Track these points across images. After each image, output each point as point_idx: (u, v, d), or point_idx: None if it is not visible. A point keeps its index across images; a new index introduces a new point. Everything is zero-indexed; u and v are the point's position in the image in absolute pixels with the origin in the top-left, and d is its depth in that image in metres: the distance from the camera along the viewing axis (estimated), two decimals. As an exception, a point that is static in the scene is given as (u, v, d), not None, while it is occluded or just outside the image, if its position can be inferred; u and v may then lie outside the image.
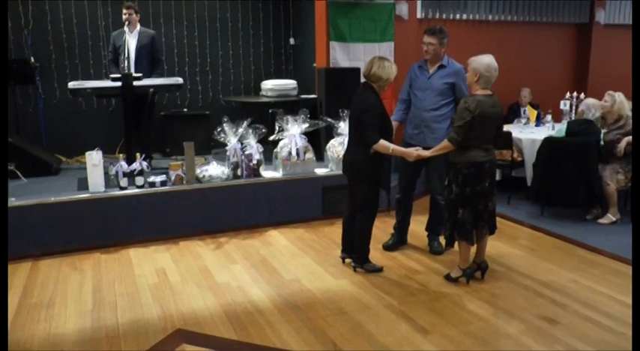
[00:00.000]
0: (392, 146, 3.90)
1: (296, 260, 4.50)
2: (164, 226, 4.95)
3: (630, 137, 5.20)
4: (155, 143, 6.51)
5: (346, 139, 4.70)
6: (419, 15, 7.13)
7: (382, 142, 3.83)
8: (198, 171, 5.22)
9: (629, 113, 5.40)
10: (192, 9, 7.19)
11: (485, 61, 3.71)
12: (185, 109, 7.18)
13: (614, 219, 5.32)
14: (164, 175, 5.12)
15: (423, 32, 4.44)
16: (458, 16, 7.58)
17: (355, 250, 4.17)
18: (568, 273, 4.17)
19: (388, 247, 4.67)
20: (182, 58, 7.25)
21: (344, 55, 6.51)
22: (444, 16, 7.43)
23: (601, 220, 5.35)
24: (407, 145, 4.36)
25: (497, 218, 5.48)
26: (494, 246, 4.69)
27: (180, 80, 5.72)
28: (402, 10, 6.77)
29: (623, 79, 8.22)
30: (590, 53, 8.61)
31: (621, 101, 5.39)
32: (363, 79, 4.15)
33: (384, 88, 4.02)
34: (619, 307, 3.58)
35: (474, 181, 3.76)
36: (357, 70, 6.09)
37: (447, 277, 4.04)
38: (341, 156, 5.21)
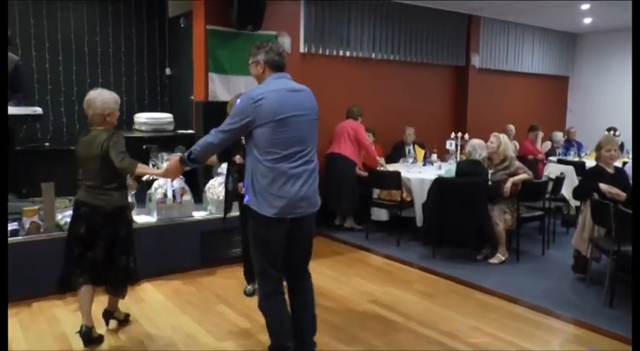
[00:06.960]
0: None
1: (172, 319, 3.91)
2: (13, 285, 4.05)
3: (515, 178, 5.28)
4: (8, 183, 5.58)
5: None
6: (302, 49, 6.93)
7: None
8: (59, 216, 4.47)
9: (513, 154, 5.48)
10: (56, 29, 6.34)
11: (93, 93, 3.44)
12: (47, 144, 6.28)
13: (503, 258, 5.30)
14: (16, 223, 4.32)
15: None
16: (341, 53, 7.49)
17: None
18: (468, 319, 3.98)
19: None
20: (43, 84, 6.34)
21: (224, 88, 6.05)
22: (327, 51, 7.31)
23: (491, 260, 5.31)
24: None
25: (388, 260, 5.37)
26: (388, 292, 4.43)
27: (38, 110, 4.91)
28: (285, 43, 6.51)
29: (496, 120, 8.64)
30: (467, 94, 8.94)
31: (506, 142, 5.46)
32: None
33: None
34: (523, 357, 3.43)
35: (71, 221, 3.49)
36: (237, 105, 5.65)
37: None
38: (221, 197, 4.75)
